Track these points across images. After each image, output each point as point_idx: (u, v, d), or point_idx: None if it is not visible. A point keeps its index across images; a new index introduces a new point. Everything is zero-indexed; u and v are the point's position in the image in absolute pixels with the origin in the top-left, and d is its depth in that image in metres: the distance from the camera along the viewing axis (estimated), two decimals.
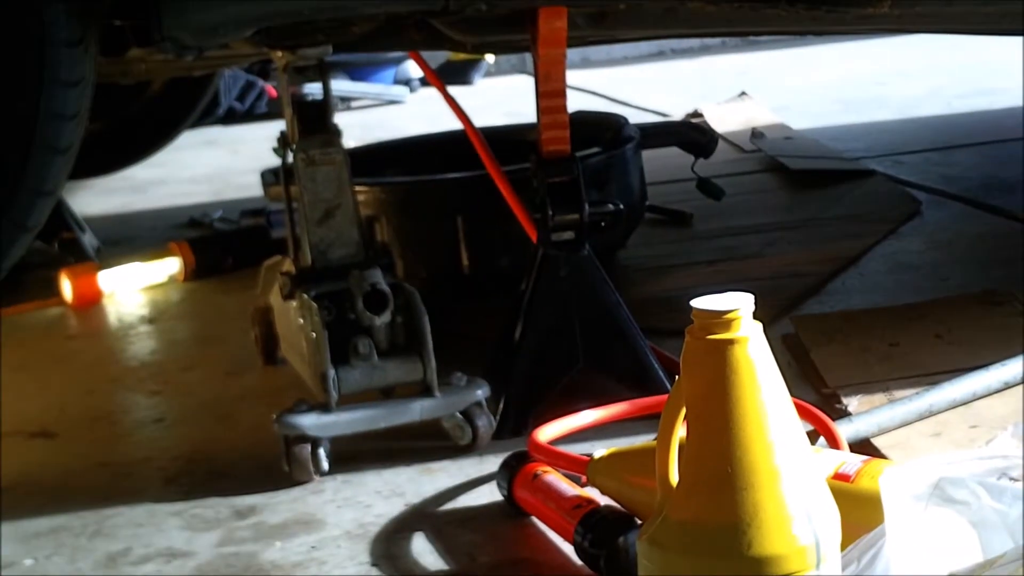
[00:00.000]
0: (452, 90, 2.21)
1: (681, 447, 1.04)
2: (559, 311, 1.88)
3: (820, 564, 0.99)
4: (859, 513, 1.16)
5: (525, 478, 1.55)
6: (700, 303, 1.05)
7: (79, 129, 1.94)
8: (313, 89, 2.02)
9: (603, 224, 1.91)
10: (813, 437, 1.52)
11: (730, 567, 0.97)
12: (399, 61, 6.03)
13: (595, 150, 2.49)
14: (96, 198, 4.11)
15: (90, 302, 2.83)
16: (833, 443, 1.50)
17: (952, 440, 1.62)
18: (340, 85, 5.64)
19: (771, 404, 1.01)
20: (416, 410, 1.78)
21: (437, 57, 5.76)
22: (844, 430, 1.56)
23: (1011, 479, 1.11)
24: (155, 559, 1.58)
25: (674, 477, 1.03)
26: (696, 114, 4.27)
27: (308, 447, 1.74)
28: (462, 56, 5.90)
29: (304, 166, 1.89)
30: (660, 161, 3.05)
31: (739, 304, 1.04)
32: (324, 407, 1.76)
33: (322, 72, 1.95)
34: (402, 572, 1.48)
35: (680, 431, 1.05)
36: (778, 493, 0.98)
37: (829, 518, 1.01)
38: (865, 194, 3.07)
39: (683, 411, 1.03)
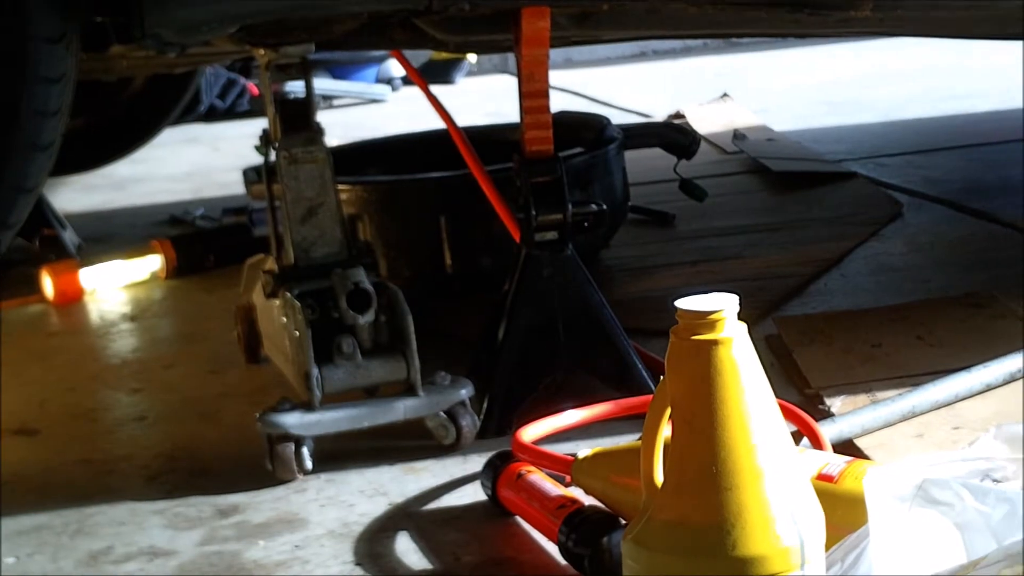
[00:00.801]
0: (434, 89, 2.21)
1: (666, 448, 1.04)
2: (542, 311, 1.88)
3: (804, 565, 0.99)
4: (843, 513, 1.16)
5: (509, 478, 1.55)
6: (685, 304, 1.05)
7: (60, 126, 1.93)
8: (295, 87, 2.02)
9: (586, 224, 1.91)
10: (796, 438, 1.52)
11: (714, 567, 0.97)
12: (381, 60, 6.02)
13: (578, 150, 2.49)
14: (77, 195, 4.10)
15: (71, 299, 2.82)
16: (816, 444, 1.50)
17: (935, 441, 1.62)
18: (322, 83, 5.64)
19: (755, 405, 1.01)
20: (400, 409, 1.78)
21: (419, 56, 5.76)
22: (827, 431, 1.56)
23: (994, 480, 1.11)
24: (137, 558, 1.57)
25: (659, 477, 1.03)
26: (678, 115, 4.28)
27: (291, 446, 1.74)
28: (444, 55, 5.90)
29: (287, 164, 1.88)
30: (643, 162, 3.05)
31: (723, 305, 1.04)
32: (307, 406, 1.76)
33: (305, 70, 1.94)
34: (386, 571, 1.48)
35: (665, 431, 1.05)
36: (762, 494, 0.98)
37: (813, 519, 1.01)
38: (847, 196, 3.08)
39: (668, 411, 1.04)
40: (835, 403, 1.75)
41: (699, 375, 1.02)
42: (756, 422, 1.01)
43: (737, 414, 1.00)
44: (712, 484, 0.98)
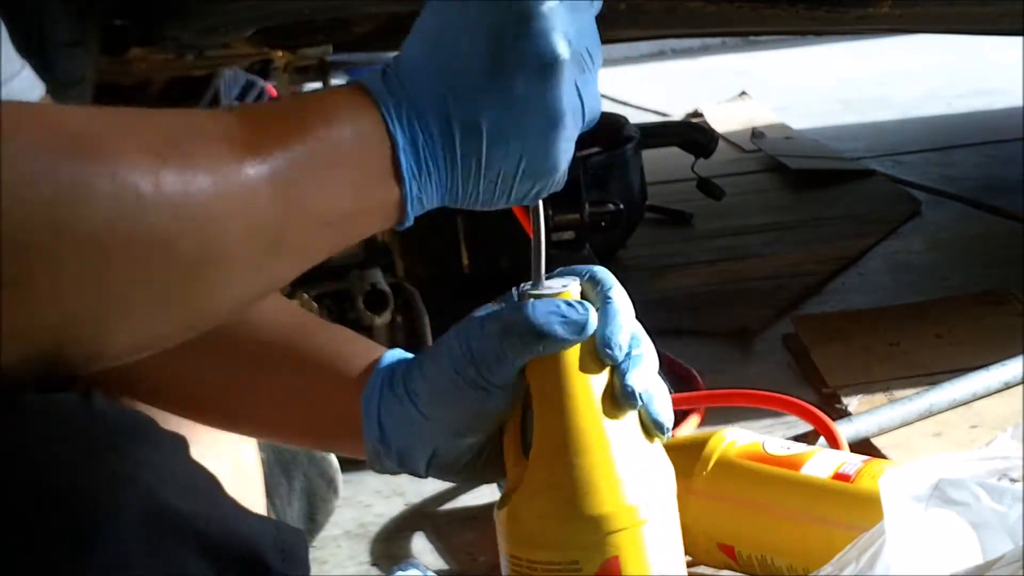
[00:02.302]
0: None
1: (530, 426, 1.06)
2: None
3: (649, 520, 1.01)
4: (860, 513, 1.16)
5: None
6: (528, 287, 1.07)
7: None
8: (314, 89, 2.02)
9: (603, 224, 1.91)
10: (813, 437, 1.52)
11: (573, 528, 1.00)
12: None
13: (595, 150, 2.49)
14: None
15: None
16: (833, 442, 1.50)
17: (952, 440, 1.62)
18: None
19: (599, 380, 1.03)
20: None
21: None
22: (844, 430, 1.56)
23: (1011, 480, 1.11)
24: None
25: (519, 453, 1.05)
26: (696, 114, 4.28)
27: None
28: None
29: None
30: (660, 161, 3.05)
31: (567, 286, 1.05)
32: None
33: (323, 72, 1.95)
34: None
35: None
36: (610, 458, 1.01)
37: (657, 479, 1.03)
38: (865, 194, 3.07)
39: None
40: (852, 402, 1.75)
41: (552, 357, 1.03)
42: (600, 397, 1.03)
43: (584, 391, 1.02)
44: (566, 452, 1.01)
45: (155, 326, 0.74)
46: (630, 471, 1.00)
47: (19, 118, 0.67)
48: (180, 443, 0.78)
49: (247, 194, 0.74)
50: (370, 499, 1.67)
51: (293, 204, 0.77)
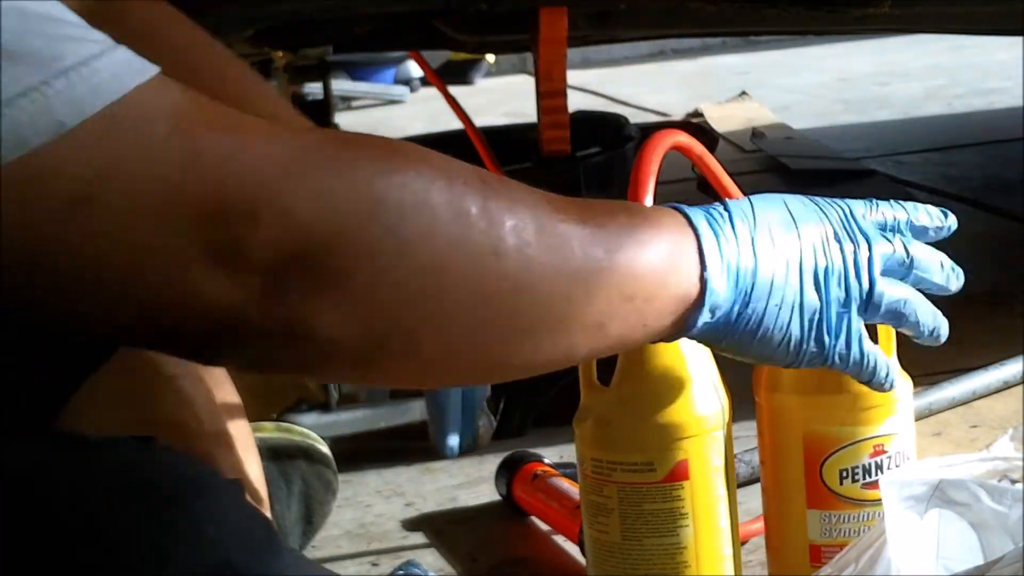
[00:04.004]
0: (453, 90, 2.21)
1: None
2: None
3: (715, 430, 1.14)
4: None
5: (524, 478, 1.55)
6: None
7: None
8: (314, 89, 2.02)
9: None
10: None
11: (649, 433, 1.12)
12: (400, 61, 6.03)
13: (595, 150, 2.49)
14: None
15: None
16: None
17: (952, 440, 1.62)
18: (341, 85, 5.63)
19: None
20: (416, 410, 1.78)
21: (438, 57, 5.75)
22: None
23: (1011, 481, 1.11)
24: None
25: (594, 381, 1.16)
26: (696, 114, 4.28)
27: None
28: (463, 56, 5.90)
29: None
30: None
31: None
32: (324, 407, 1.76)
33: (322, 72, 1.95)
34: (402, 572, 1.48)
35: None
36: (684, 376, 1.13)
37: (723, 395, 1.15)
38: (865, 194, 3.05)
39: None
40: None
41: None
42: None
43: None
44: (649, 370, 1.14)
45: (470, 337, 0.79)
46: (701, 388, 1.13)
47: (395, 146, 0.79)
48: (237, 490, 0.79)
49: (561, 241, 0.82)
50: (370, 499, 1.68)
51: (599, 268, 0.83)
